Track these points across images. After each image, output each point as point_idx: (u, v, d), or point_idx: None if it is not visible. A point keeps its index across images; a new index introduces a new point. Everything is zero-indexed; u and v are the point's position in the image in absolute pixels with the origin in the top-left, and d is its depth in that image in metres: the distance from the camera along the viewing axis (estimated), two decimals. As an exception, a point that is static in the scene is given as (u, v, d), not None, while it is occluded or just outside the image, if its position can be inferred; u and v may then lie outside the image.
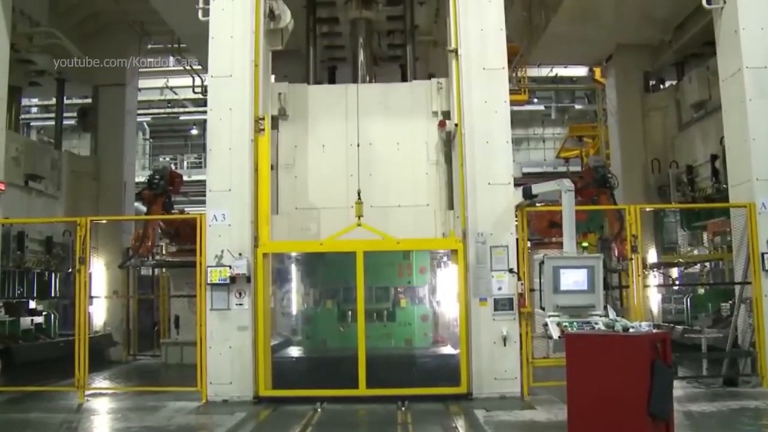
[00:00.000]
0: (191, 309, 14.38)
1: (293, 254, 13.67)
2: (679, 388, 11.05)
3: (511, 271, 11.46)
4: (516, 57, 21.05)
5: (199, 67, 20.24)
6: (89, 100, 19.74)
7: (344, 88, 14.04)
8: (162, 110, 33.99)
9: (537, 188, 11.24)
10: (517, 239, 11.70)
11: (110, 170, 18.89)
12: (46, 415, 10.86)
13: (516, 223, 11.81)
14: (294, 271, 14.33)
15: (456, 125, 12.14)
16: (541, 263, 10.39)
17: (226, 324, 11.49)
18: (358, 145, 13.38)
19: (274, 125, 13.15)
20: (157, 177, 16.69)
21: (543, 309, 10.36)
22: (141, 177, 23.01)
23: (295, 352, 13.53)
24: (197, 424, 10.19)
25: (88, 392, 12.17)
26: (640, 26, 17.81)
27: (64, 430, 9.99)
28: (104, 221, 17.38)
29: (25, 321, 16.03)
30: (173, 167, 31.42)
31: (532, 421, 9.77)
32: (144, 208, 17.64)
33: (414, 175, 13.35)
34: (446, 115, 13.06)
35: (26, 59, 15.63)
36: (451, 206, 12.95)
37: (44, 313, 16.91)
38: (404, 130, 13.49)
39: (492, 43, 12.06)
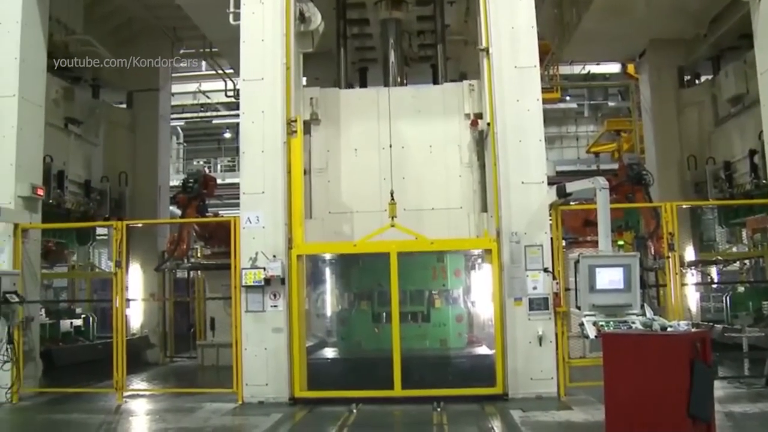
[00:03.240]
0: (227, 311, 14.47)
1: (327, 256, 13.67)
2: (719, 389, 10.88)
3: (545, 270, 11.38)
4: (548, 55, 20.91)
5: (231, 70, 20.39)
6: (124, 106, 19.94)
7: (375, 91, 14.05)
8: (195, 114, 34.30)
9: (571, 186, 11.12)
10: (551, 238, 11.61)
11: (145, 174, 19.02)
12: (86, 416, 11.05)
13: (550, 222, 11.73)
14: (328, 272, 14.34)
15: (488, 124, 12.08)
16: (577, 262, 10.28)
17: (262, 326, 11.55)
18: (391, 148, 13.34)
19: (306, 130, 13.17)
20: (191, 180, 16.84)
21: (579, 308, 10.25)
22: (175, 181, 23.25)
23: (330, 353, 13.54)
24: (233, 426, 10.27)
25: (126, 394, 12.34)
26: (673, 20, 17.55)
27: (104, 431, 10.12)
28: (140, 224, 17.55)
29: (65, 324, 16.28)
30: (207, 171, 31.75)
31: (569, 422, 9.68)
32: (179, 212, 17.80)
33: (447, 178, 13.29)
34: (479, 116, 13.00)
35: (62, 66, 15.85)
36: (484, 209, 12.89)
37: (83, 315, 17.14)
38: (436, 132, 13.45)
39: (523, 41, 11.99)
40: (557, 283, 11.39)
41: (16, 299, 11.69)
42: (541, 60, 13.56)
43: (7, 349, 11.77)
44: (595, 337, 9.34)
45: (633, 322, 8.96)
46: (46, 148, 13.99)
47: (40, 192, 13.19)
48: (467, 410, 10.66)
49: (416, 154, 13.40)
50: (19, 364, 12.09)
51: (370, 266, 13.23)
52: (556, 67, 24.88)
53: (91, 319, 17.22)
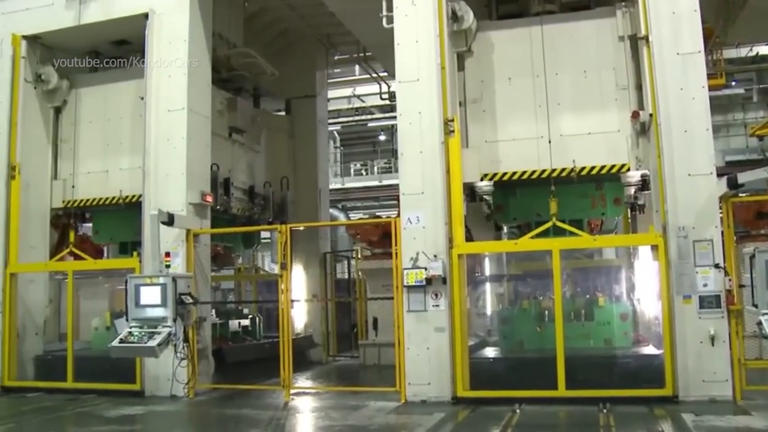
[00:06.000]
0: (388, 311, 14.66)
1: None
2: None
3: (717, 266, 10.79)
4: (711, 39, 19.88)
5: (385, 73, 20.68)
6: (283, 113, 20.66)
7: (528, 21, 13.59)
8: (350, 118, 35.03)
9: (744, 177, 10.52)
10: (722, 232, 11.03)
11: (306, 178, 19.56)
12: (256, 412, 11.54)
13: (720, 215, 11.15)
14: (488, 268, 14.28)
15: (651, 116, 11.63)
16: (752, 257, 9.78)
17: (423, 325, 11.67)
18: (545, 75, 12.95)
19: (460, 66, 13.12)
20: None
21: (756, 306, 9.75)
22: (334, 184, 23.82)
23: (491, 352, 13.47)
24: (397, 424, 10.40)
25: (292, 391, 12.77)
26: None
27: (273, 426, 10.53)
28: (302, 228, 18.09)
29: (233, 324, 17.05)
30: (364, 173, 32.40)
31: (749, 428, 9.06)
32: (338, 214, 18.21)
33: (603, 102, 12.71)
34: (632, 39, 12.47)
35: (225, 78, 16.63)
36: (643, 131, 12.25)
37: (250, 316, 17.90)
38: (590, 56, 12.88)
39: (685, 26, 11.47)
40: (730, 280, 10.78)
41: (190, 300, 12.35)
42: (705, 44, 12.89)
43: (183, 347, 12.48)
44: (777, 337, 8.83)
45: (820, 322, 8.41)
46: (213, 156, 14.71)
47: (209, 199, 13.94)
48: (635, 412, 10.29)
49: (570, 79, 12.92)
50: (194, 361, 12.83)
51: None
52: (720, 52, 23.64)
53: (257, 319, 17.94)
